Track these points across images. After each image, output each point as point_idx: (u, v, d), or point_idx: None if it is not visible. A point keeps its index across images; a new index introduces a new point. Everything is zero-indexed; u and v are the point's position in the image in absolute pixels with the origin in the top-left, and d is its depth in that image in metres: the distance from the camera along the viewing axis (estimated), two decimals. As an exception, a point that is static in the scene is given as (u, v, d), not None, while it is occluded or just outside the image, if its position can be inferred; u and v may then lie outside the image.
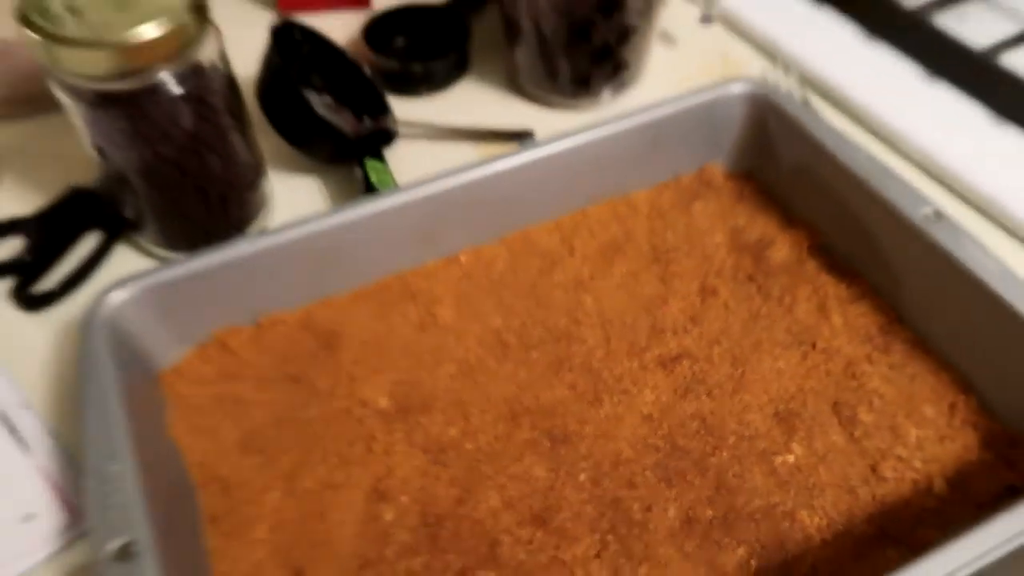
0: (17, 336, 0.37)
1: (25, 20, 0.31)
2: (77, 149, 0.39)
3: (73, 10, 0.31)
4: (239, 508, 0.31)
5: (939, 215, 0.34)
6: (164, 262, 0.35)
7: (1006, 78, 0.45)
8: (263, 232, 0.34)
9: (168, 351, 0.34)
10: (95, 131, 0.34)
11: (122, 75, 0.31)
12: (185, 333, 0.35)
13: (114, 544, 0.25)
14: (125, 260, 0.40)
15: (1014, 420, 0.32)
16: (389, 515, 0.31)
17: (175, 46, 0.32)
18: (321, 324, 0.36)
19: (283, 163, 0.43)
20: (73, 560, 0.30)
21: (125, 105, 0.32)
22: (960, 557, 0.25)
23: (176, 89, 0.33)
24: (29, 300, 0.38)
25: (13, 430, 0.33)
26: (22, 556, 0.30)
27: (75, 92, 0.32)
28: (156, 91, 0.32)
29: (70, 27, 0.30)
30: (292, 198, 0.42)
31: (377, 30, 0.48)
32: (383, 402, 0.34)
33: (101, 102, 0.32)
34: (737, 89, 0.40)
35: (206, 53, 0.33)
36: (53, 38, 0.30)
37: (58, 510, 0.31)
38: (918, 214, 0.34)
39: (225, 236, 0.35)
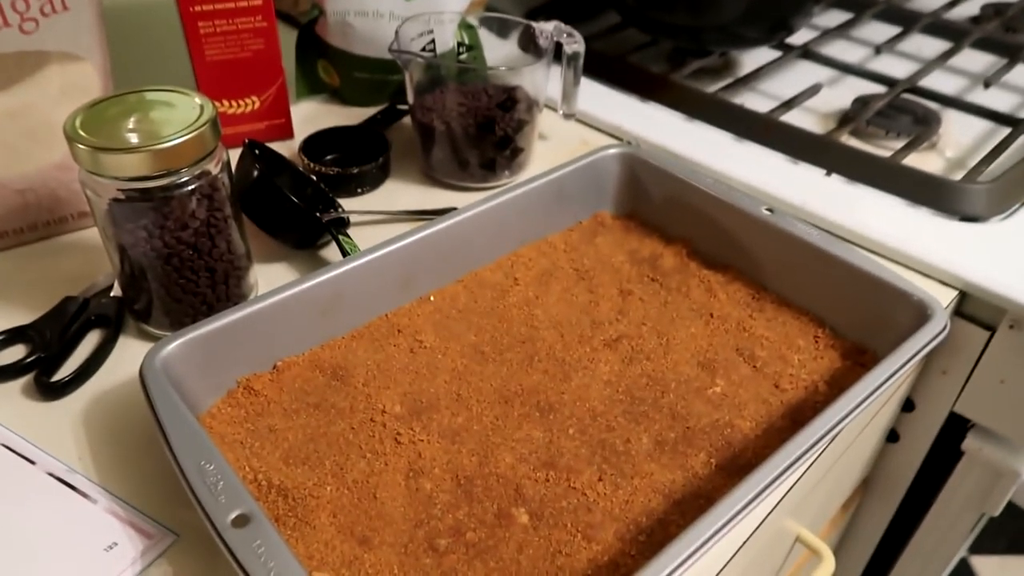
0: (42, 421, 0.41)
1: (75, 134, 0.38)
2: (50, 273, 0.48)
3: (120, 127, 0.39)
4: (299, 504, 0.36)
5: (771, 210, 0.48)
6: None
7: (786, 128, 0.62)
8: (272, 290, 0.42)
9: (202, 400, 0.40)
10: (122, 230, 0.41)
11: (156, 175, 0.39)
12: (213, 384, 0.40)
13: (232, 515, 0.31)
14: (129, 349, 0.45)
15: (857, 337, 0.45)
16: (428, 485, 0.37)
17: (196, 152, 0.40)
18: (328, 362, 0.43)
19: (259, 254, 0.50)
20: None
21: (155, 200, 0.40)
22: (835, 415, 0.36)
23: (193, 185, 0.41)
24: (49, 389, 0.42)
25: (73, 488, 0.37)
26: (112, 580, 0.33)
27: (109, 194, 0.39)
28: (179, 187, 0.40)
29: (116, 140, 0.38)
30: (271, 280, 0.49)
31: (312, 147, 0.58)
32: (397, 408, 0.41)
33: (135, 198, 0.39)
34: (612, 151, 0.53)
35: (215, 158, 0.41)
36: (102, 148, 0.38)
37: (136, 538, 0.35)
38: (759, 212, 0.48)
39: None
